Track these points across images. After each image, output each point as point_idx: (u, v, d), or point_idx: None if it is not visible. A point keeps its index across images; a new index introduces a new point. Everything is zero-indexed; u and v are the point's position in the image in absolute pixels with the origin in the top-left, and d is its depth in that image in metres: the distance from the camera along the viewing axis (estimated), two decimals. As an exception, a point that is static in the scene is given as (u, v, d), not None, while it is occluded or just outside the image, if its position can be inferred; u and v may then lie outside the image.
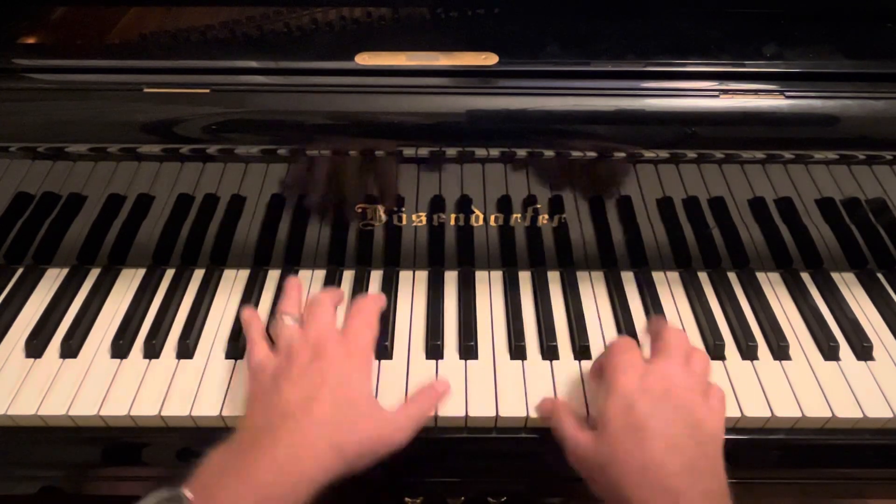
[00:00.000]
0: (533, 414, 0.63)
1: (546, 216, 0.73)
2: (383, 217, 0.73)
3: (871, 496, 0.76)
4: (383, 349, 0.68)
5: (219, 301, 0.75)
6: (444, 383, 0.64)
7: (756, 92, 0.66)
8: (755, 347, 0.69)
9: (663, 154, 0.67)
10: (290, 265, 0.78)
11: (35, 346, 0.69)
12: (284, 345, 0.60)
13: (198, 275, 0.77)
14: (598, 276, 0.78)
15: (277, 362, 0.60)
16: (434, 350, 0.69)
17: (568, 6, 0.77)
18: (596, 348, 0.70)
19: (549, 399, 0.63)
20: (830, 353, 0.69)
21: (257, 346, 0.63)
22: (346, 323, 0.63)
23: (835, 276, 0.79)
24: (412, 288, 0.76)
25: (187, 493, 0.49)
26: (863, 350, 0.69)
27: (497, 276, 0.78)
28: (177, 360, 0.68)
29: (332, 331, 0.61)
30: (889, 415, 0.64)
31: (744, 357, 0.69)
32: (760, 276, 0.78)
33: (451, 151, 0.67)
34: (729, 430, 0.64)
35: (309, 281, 0.77)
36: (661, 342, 0.60)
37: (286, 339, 0.61)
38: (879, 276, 0.79)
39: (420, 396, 0.61)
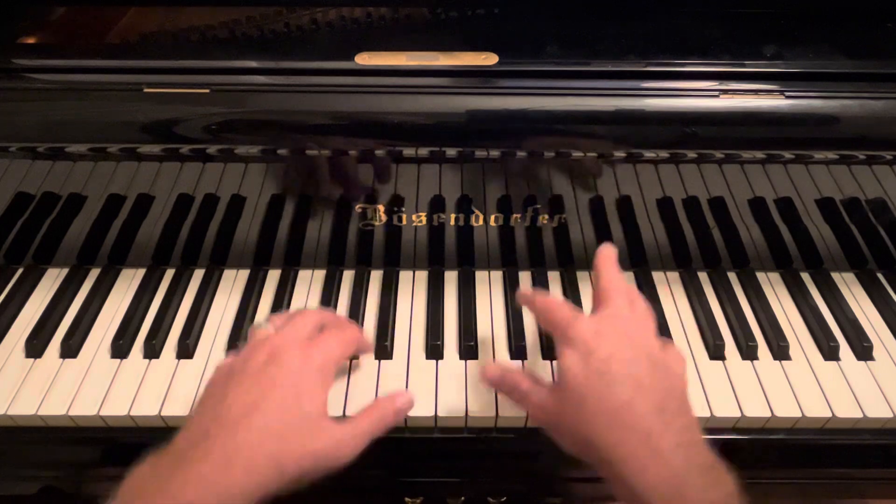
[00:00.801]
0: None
1: (546, 216, 0.73)
2: (383, 217, 0.73)
3: (871, 496, 0.76)
4: (383, 349, 0.68)
5: (219, 301, 0.75)
6: (406, 396, 0.59)
7: (756, 92, 0.66)
8: (755, 347, 0.69)
9: (663, 154, 0.67)
10: (290, 265, 0.78)
11: (35, 346, 0.69)
12: (247, 346, 0.57)
13: (198, 275, 0.77)
14: (598, 276, 0.78)
15: (233, 361, 0.56)
16: (434, 350, 0.69)
17: (568, 6, 0.77)
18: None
19: (493, 365, 0.59)
20: (830, 353, 0.69)
21: (233, 353, 0.60)
22: (318, 336, 0.58)
23: (835, 276, 0.78)
24: (412, 288, 0.76)
25: None
26: (863, 350, 0.69)
27: (497, 276, 0.78)
28: (177, 360, 0.68)
29: (298, 339, 0.57)
30: (889, 415, 0.64)
31: (744, 357, 0.69)
32: (760, 276, 0.78)
33: (451, 151, 0.67)
34: (729, 430, 0.65)
35: (309, 281, 0.77)
36: (600, 291, 0.58)
37: (251, 341, 0.58)
38: (879, 276, 0.79)
39: (374, 410, 0.57)
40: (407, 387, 0.65)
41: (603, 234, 0.75)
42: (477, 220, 0.74)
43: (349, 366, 0.67)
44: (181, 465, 0.48)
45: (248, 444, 0.49)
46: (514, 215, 0.73)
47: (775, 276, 0.78)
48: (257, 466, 0.49)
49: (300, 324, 0.59)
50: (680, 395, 0.53)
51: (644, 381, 0.51)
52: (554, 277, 0.77)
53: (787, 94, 0.66)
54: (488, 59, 0.68)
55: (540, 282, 0.76)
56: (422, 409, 0.63)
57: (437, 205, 0.73)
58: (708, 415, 0.63)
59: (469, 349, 0.69)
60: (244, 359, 0.55)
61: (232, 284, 0.77)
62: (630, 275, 0.78)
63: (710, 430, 0.64)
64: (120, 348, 0.68)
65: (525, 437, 0.64)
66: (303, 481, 0.51)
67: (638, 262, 0.78)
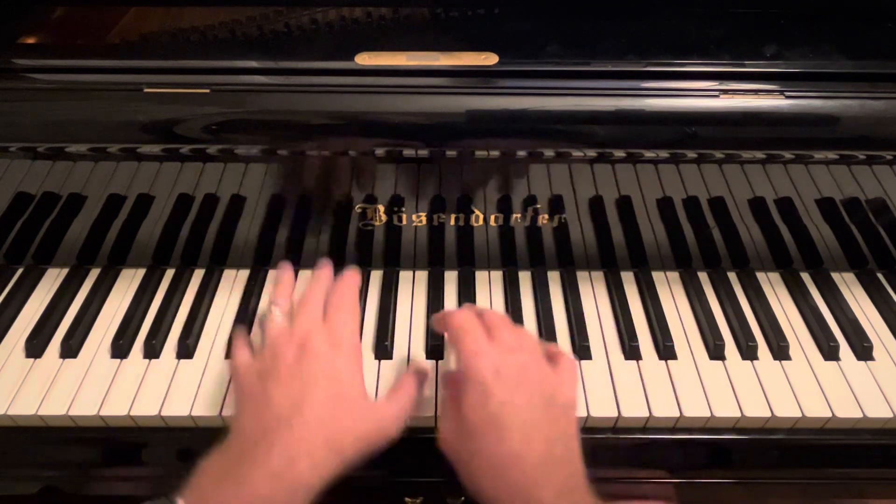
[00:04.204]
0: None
1: (546, 216, 0.73)
2: (383, 217, 0.73)
3: (871, 496, 0.76)
4: (383, 349, 0.68)
5: (219, 301, 0.75)
6: (422, 365, 0.64)
7: (756, 92, 0.66)
8: (755, 347, 0.69)
9: (663, 154, 0.67)
10: (291, 265, 0.78)
11: (35, 346, 0.69)
12: (269, 343, 0.58)
13: (198, 275, 0.77)
14: (598, 276, 0.78)
15: (262, 362, 0.58)
16: (434, 350, 0.69)
17: (568, 6, 0.77)
18: (596, 348, 0.70)
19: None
20: (830, 353, 0.69)
21: (239, 349, 0.61)
22: (327, 313, 0.60)
23: (835, 276, 0.79)
24: (412, 288, 0.76)
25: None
26: (863, 350, 0.69)
27: (497, 276, 0.78)
28: (177, 360, 0.68)
29: (317, 324, 0.59)
30: (889, 415, 0.64)
31: (744, 357, 0.69)
32: (760, 276, 0.78)
33: (451, 151, 0.67)
34: (729, 430, 0.65)
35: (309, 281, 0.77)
36: (486, 323, 0.59)
37: (271, 338, 0.59)
38: (879, 276, 0.79)
39: (405, 384, 0.60)
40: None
41: (603, 234, 0.75)
42: (477, 220, 0.74)
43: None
44: (249, 459, 0.51)
45: (306, 437, 0.51)
46: (514, 215, 0.73)
47: (775, 276, 0.79)
48: (318, 455, 0.51)
49: (311, 306, 0.61)
50: (568, 440, 0.54)
51: (533, 432, 0.52)
52: (554, 277, 0.77)
53: (787, 94, 0.66)
54: (488, 59, 0.68)
55: (540, 282, 0.76)
56: (422, 409, 0.63)
57: (437, 205, 0.73)
58: (708, 415, 0.63)
59: (469, 349, 0.69)
60: (272, 356, 0.57)
61: (232, 284, 0.77)
62: (630, 274, 0.78)
63: (709, 430, 0.64)
64: (120, 348, 0.68)
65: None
66: (358, 460, 0.54)
67: (638, 262, 0.78)
